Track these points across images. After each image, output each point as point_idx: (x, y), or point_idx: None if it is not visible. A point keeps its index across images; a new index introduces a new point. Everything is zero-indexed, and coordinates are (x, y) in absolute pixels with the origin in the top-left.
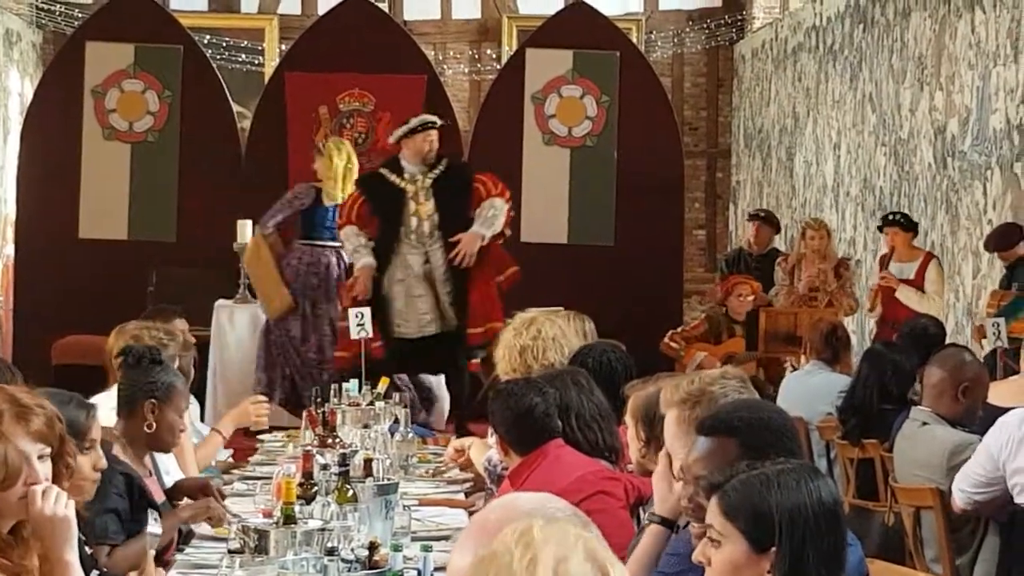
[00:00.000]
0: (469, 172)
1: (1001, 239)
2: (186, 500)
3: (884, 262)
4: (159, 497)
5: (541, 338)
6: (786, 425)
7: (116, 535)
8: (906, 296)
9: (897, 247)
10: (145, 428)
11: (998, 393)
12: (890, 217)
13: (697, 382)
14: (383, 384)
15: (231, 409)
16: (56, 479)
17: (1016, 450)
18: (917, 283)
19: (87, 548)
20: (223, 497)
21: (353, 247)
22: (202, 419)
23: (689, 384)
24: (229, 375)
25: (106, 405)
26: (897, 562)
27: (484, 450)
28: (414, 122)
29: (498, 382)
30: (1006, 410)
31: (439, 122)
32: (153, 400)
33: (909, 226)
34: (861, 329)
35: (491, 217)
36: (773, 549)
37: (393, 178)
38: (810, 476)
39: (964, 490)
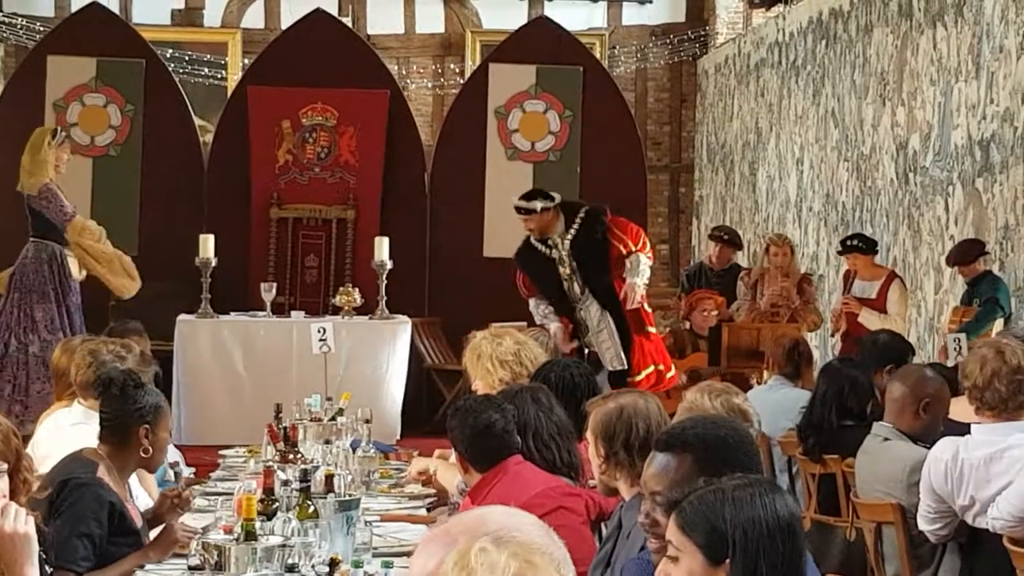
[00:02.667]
0: (601, 225)
1: (961, 254)
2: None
3: (848, 279)
4: (138, 520)
5: (521, 342)
6: (742, 441)
7: (84, 562)
8: (868, 320)
9: (859, 269)
10: (141, 453)
11: (960, 409)
12: (848, 243)
13: (721, 407)
14: (344, 399)
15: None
16: (13, 495)
17: (958, 486)
18: (879, 303)
19: (47, 567)
20: (187, 503)
21: (541, 316)
22: None
23: (723, 403)
24: (192, 389)
25: (64, 420)
26: None
27: (450, 470)
28: (515, 204)
29: (462, 397)
30: (967, 426)
31: (528, 207)
32: (147, 425)
33: (868, 248)
34: (824, 344)
35: (641, 270)
36: (728, 561)
37: (540, 247)
38: (765, 490)
39: (928, 529)
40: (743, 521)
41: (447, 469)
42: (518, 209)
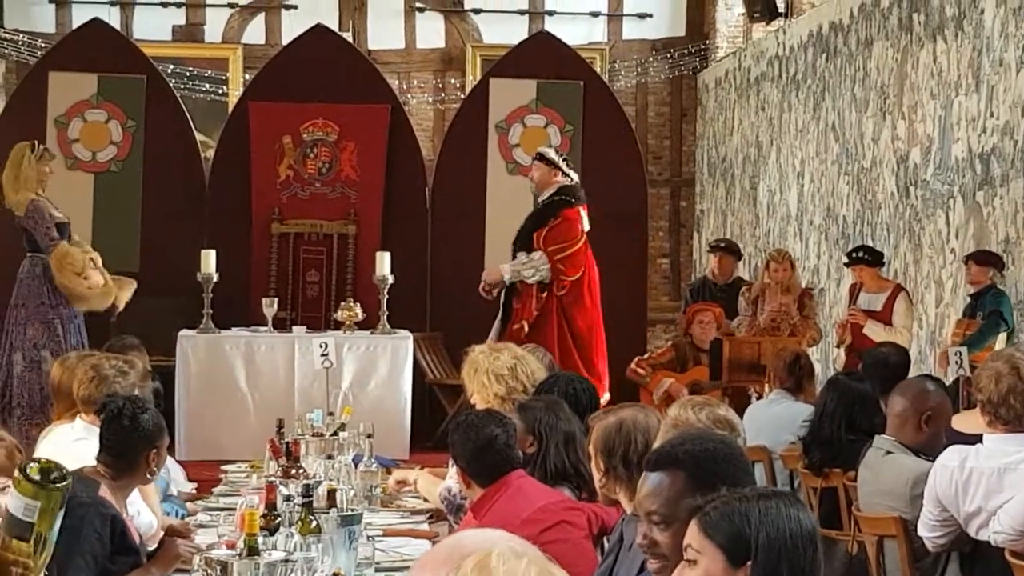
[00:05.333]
0: (553, 209)
1: (980, 253)
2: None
3: (854, 292)
4: (137, 538)
5: (518, 357)
6: (732, 454)
7: None
8: (874, 332)
9: (865, 281)
10: (147, 475)
11: (964, 422)
12: (854, 255)
13: (707, 419)
14: (346, 414)
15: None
16: None
17: (962, 494)
18: (885, 316)
19: None
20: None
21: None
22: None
23: (708, 415)
24: (193, 405)
25: (65, 437)
26: None
27: (431, 482)
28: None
29: (463, 412)
30: (971, 438)
31: (539, 153)
32: (155, 449)
33: (875, 261)
34: (825, 358)
35: (525, 264)
36: (749, 563)
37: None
38: (789, 502)
39: (927, 536)
40: (768, 525)
41: (428, 480)
42: (535, 155)
